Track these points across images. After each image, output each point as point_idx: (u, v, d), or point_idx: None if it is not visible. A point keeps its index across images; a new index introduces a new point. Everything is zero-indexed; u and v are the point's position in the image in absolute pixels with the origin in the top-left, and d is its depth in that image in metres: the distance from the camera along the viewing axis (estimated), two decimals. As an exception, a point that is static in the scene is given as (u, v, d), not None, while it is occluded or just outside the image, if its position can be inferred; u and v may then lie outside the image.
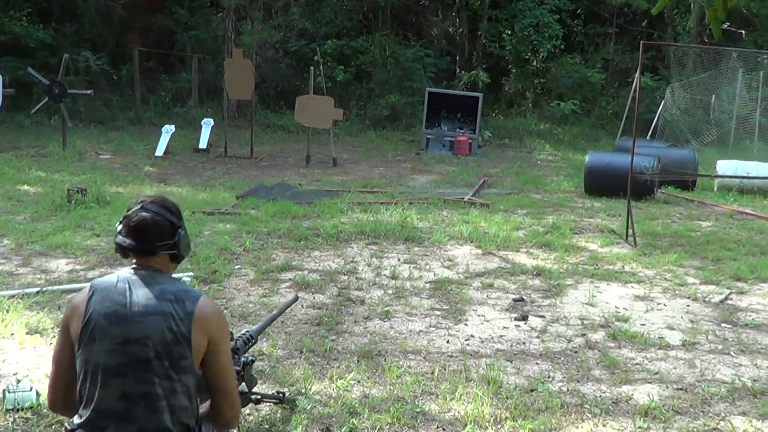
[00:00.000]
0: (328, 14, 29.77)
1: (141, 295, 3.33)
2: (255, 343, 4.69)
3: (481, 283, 8.75)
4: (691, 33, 27.90)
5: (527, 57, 30.95)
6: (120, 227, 3.49)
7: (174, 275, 3.59)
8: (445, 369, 6.18)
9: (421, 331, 7.13)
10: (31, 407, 5.18)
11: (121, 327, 3.26)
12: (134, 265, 3.46)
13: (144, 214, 3.46)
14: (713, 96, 22.30)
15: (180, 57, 29.95)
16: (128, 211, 3.53)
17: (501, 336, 7.07)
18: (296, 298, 5.85)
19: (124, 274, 3.42)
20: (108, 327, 3.26)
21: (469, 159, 21.27)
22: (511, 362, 6.41)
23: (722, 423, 5.39)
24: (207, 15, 30.14)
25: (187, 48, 29.51)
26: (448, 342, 6.86)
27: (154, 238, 3.46)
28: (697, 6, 24.04)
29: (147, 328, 3.25)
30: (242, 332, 4.55)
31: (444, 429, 5.19)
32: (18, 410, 5.14)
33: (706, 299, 8.41)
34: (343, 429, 5.11)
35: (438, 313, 7.67)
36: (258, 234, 10.77)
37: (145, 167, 17.56)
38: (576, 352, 6.70)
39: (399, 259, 9.67)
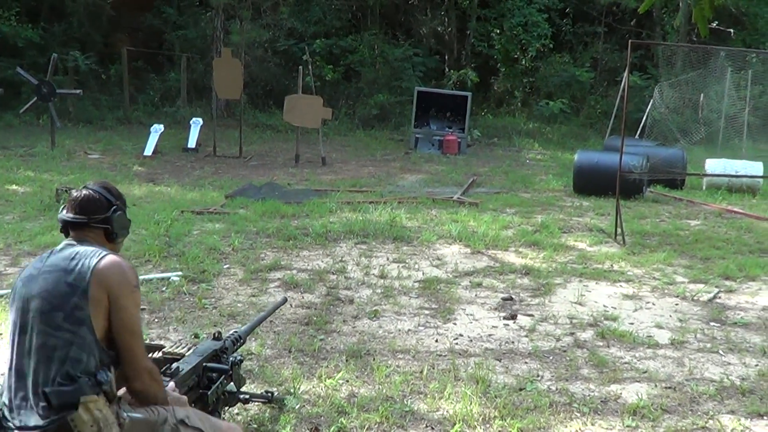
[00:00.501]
0: (317, 13, 29.79)
1: (55, 257, 3.50)
2: (243, 343, 4.69)
3: (470, 282, 8.75)
4: (680, 32, 27.97)
5: (516, 56, 30.99)
6: (64, 205, 3.73)
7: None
8: (433, 368, 6.17)
9: (409, 330, 7.12)
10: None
11: (28, 286, 3.43)
12: (69, 239, 3.63)
13: (83, 191, 3.71)
14: (702, 95, 22.34)
15: (169, 56, 29.92)
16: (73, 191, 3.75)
17: (490, 335, 7.07)
18: (285, 300, 5.85)
19: (56, 248, 3.60)
20: (21, 288, 3.46)
21: (458, 158, 21.29)
22: (499, 361, 6.41)
23: (711, 422, 5.39)
24: (196, 14, 30.10)
25: (175, 47, 29.48)
26: (436, 341, 6.85)
27: (89, 212, 3.65)
28: (684, 4, 24.08)
29: (47, 283, 3.40)
30: (231, 332, 4.54)
31: (433, 428, 5.18)
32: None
33: (695, 298, 8.42)
34: (332, 428, 5.10)
35: (427, 312, 7.67)
36: (247, 233, 10.76)
37: (134, 167, 17.53)
38: (565, 351, 6.70)
39: (388, 259, 9.66)
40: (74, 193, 3.70)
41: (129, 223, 3.90)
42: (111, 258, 3.50)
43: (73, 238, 3.62)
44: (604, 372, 6.21)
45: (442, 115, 24.21)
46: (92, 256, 3.47)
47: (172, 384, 3.77)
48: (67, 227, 3.68)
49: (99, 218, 3.66)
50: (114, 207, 3.73)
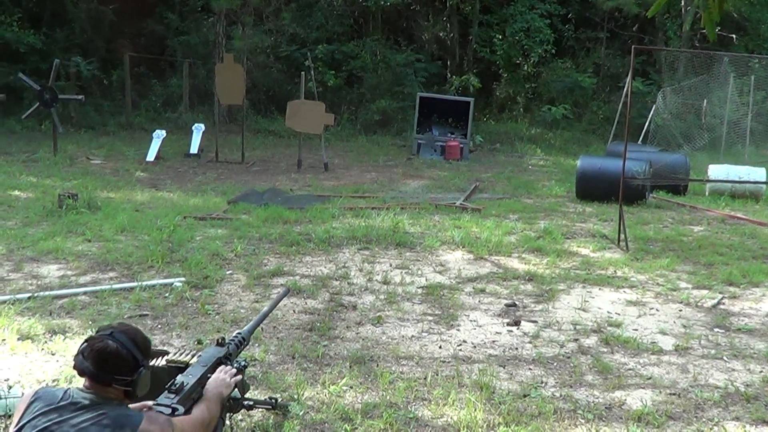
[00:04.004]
0: (319, 19, 29.78)
1: (77, 415, 3.23)
2: (248, 344, 4.65)
3: (473, 288, 8.73)
4: (683, 37, 27.98)
5: (518, 62, 30.95)
6: (84, 346, 3.40)
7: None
8: (437, 374, 6.16)
9: (413, 336, 7.11)
10: (22, 414, 5.15)
11: None
12: (86, 387, 3.37)
13: (110, 342, 3.38)
14: (705, 100, 22.35)
15: (171, 62, 29.90)
16: (97, 332, 3.47)
17: (493, 341, 7.05)
18: (287, 291, 5.78)
19: (71, 392, 3.34)
20: None
21: (460, 164, 21.28)
22: (503, 368, 6.39)
23: (715, 428, 5.38)
24: (198, 20, 30.08)
25: (177, 53, 29.46)
26: (440, 347, 6.84)
27: (113, 370, 3.35)
28: (692, 9, 24.07)
29: None
30: (234, 335, 4.50)
31: (437, 435, 5.18)
32: (9, 416, 5.10)
33: (699, 304, 8.41)
34: (336, 435, 5.10)
35: (430, 318, 7.66)
36: (249, 239, 10.75)
37: (137, 172, 17.53)
38: (569, 357, 6.69)
39: (391, 265, 9.65)
40: (98, 343, 3.37)
41: (149, 382, 3.52)
42: (147, 428, 3.27)
43: (92, 389, 3.34)
44: (608, 378, 6.20)
45: (444, 120, 24.19)
46: (126, 424, 3.24)
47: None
48: (83, 373, 3.37)
49: (124, 381, 3.37)
50: (140, 369, 3.42)
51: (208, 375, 3.99)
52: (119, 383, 3.36)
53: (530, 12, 29.65)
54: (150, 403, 3.53)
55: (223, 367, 4.02)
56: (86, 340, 3.41)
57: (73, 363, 3.42)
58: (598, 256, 10.50)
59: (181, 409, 3.58)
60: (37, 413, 3.23)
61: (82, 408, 3.24)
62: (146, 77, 29.05)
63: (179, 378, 3.83)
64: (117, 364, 3.35)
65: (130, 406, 3.45)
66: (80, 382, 3.41)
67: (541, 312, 7.97)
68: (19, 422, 3.24)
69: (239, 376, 4.14)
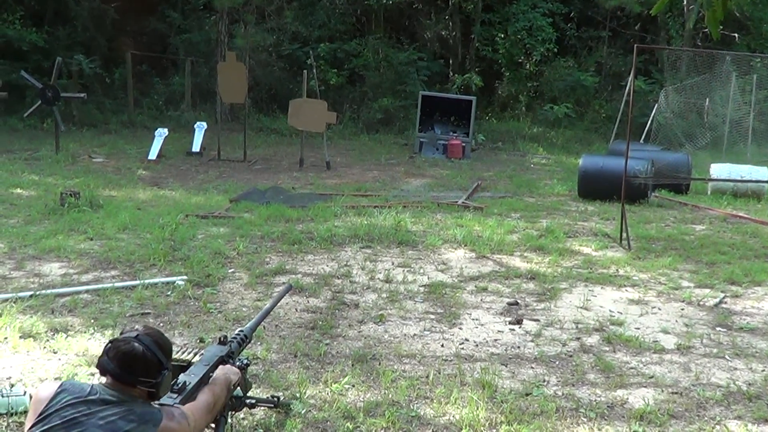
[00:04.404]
0: (321, 17, 29.78)
1: (105, 409, 3.29)
2: (250, 341, 4.65)
3: (476, 286, 8.74)
4: (685, 36, 27.96)
5: (520, 60, 30.95)
6: (109, 347, 3.46)
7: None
8: (439, 373, 6.16)
9: (415, 335, 7.11)
10: (25, 411, 5.14)
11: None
12: (108, 383, 3.42)
13: (136, 344, 3.44)
14: (707, 99, 22.35)
15: (173, 60, 29.93)
16: (122, 333, 3.52)
17: (495, 340, 7.05)
18: (289, 288, 5.78)
19: (97, 387, 3.39)
20: (61, 429, 3.23)
21: (462, 162, 21.27)
22: (505, 366, 6.40)
23: (718, 427, 5.38)
24: (200, 18, 30.09)
25: (180, 51, 29.48)
26: (442, 346, 6.84)
27: (138, 372, 3.42)
28: (695, 8, 24.06)
29: None
30: (236, 333, 4.50)
31: (439, 433, 5.18)
32: (12, 414, 5.11)
33: (701, 303, 8.41)
34: (338, 433, 5.10)
35: (432, 316, 7.66)
36: (252, 237, 10.75)
37: (139, 171, 17.53)
38: (571, 356, 6.69)
39: (393, 263, 9.65)
40: (124, 345, 3.44)
41: (170, 383, 3.63)
42: (168, 425, 3.37)
43: (115, 388, 3.40)
44: (610, 377, 6.20)
45: (446, 119, 24.17)
46: (150, 419, 3.32)
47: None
48: (107, 374, 3.45)
49: (148, 383, 3.44)
50: (164, 371, 3.50)
51: (210, 374, 3.99)
52: (143, 385, 3.42)
53: (532, 11, 29.63)
54: (154, 404, 3.56)
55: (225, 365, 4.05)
56: (111, 341, 3.47)
57: (96, 362, 3.47)
58: (600, 255, 10.49)
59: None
60: (65, 404, 3.27)
61: (110, 403, 3.31)
62: (148, 75, 29.06)
63: (182, 377, 3.83)
64: (142, 367, 3.41)
65: None
66: (81, 379, 3.41)
67: (543, 311, 7.97)
68: (44, 411, 3.27)
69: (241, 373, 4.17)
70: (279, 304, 5.93)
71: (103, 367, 3.43)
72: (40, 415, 3.28)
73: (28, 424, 3.33)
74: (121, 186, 15.17)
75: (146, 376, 3.42)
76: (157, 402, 3.54)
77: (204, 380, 3.89)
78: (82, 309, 7.51)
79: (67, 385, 3.38)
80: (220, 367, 4.02)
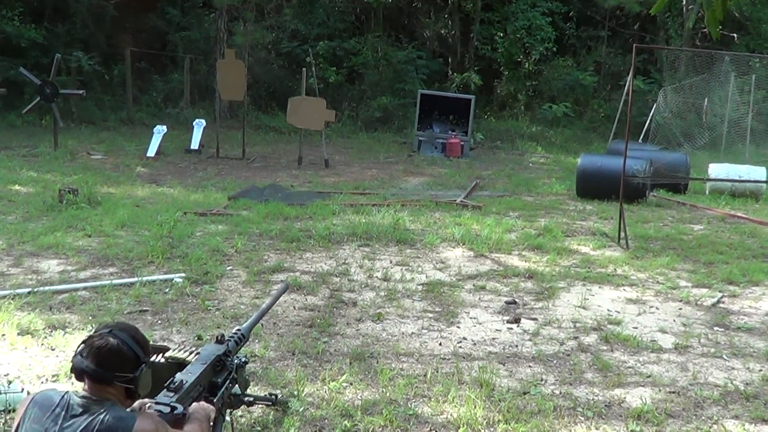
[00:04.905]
0: (321, 15, 29.75)
1: (73, 421, 3.16)
2: (247, 340, 4.64)
3: (474, 285, 8.74)
4: (684, 36, 27.97)
5: (519, 59, 30.93)
6: (82, 347, 3.29)
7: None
8: (437, 371, 6.17)
9: (413, 333, 7.12)
10: (22, 408, 5.15)
11: None
12: (85, 391, 3.28)
13: (110, 339, 3.28)
14: (705, 99, 22.36)
15: (172, 57, 29.91)
16: (95, 331, 3.37)
17: (493, 339, 7.06)
18: (287, 287, 5.78)
19: (68, 396, 3.25)
20: None
21: (461, 161, 21.27)
22: (503, 365, 6.40)
23: (715, 426, 5.39)
24: (199, 15, 30.09)
25: (179, 48, 29.47)
26: (440, 344, 6.85)
27: (113, 367, 3.25)
28: (695, 8, 24.08)
29: None
30: (233, 331, 4.49)
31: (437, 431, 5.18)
32: (9, 411, 5.11)
33: (699, 302, 8.42)
34: (336, 431, 5.10)
35: (430, 315, 7.66)
36: (250, 235, 10.75)
37: (137, 168, 17.52)
38: (568, 355, 6.69)
39: (391, 261, 9.66)
40: (98, 341, 3.26)
41: (151, 380, 3.44)
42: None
43: (90, 392, 3.24)
44: (608, 376, 6.20)
45: (445, 118, 24.17)
46: (119, 428, 3.14)
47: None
48: (82, 375, 3.26)
49: (125, 378, 3.26)
50: (142, 366, 3.33)
51: (209, 373, 3.99)
52: (120, 380, 3.27)
53: (532, 10, 29.62)
54: (148, 401, 3.50)
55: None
56: (84, 341, 3.32)
57: (70, 366, 3.33)
58: (598, 254, 10.50)
59: (180, 408, 3.56)
60: (30, 419, 3.20)
61: (76, 415, 3.18)
62: (147, 72, 29.05)
63: (178, 376, 3.82)
64: (118, 362, 3.26)
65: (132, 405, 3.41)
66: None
67: (541, 310, 7.98)
68: (17, 428, 3.21)
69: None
70: (278, 303, 5.93)
71: (77, 368, 3.26)
72: (16, 428, 3.22)
73: None
74: (119, 183, 15.16)
75: (123, 372, 3.26)
76: (153, 401, 3.50)
77: (201, 379, 3.88)
78: (80, 306, 7.51)
79: (38, 398, 3.27)
80: (194, 404, 3.77)
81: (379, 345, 6.76)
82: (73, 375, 3.31)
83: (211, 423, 3.81)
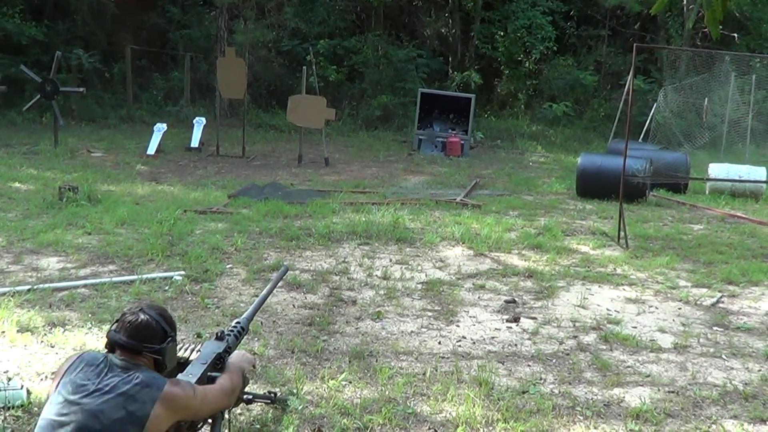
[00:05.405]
0: (321, 14, 29.73)
1: (113, 376, 3.55)
2: (247, 332, 4.64)
3: (473, 284, 8.74)
4: (684, 36, 27.96)
5: (520, 58, 30.91)
6: (116, 324, 3.74)
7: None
8: (436, 370, 6.17)
9: (412, 332, 7.12)
10: (22, 405, 5.16)
11: (82, 398, 3.47)
12: (119, 354, 3.68)
13: (141, 315, 3.74)
14: (706, 99, 22.34)
15: (172, 55, 29.91)
16: (127, 310, 3.82)
17: (493, 337, 7.06)
18: (287, 269, 5.77)
19: (110, 357, 3.66)
20: (70, 394, 3.50)
21: (461, 160, 21.26)
22: (502, 364, 6.40)
23: (714, 426, 5.39)
24: (200, 14, 30.05)
25: (179, 46, 29.47)
26: (439, 343, 6.85)
27: (143, 339, 3.69)
28: (695, 7, 24.06)
29: (105, 404, 3.45)
30: (233, 324, 4.49)
31: (436, 430, 5.18)
32: (8, 408, 5.11)
33: (698, 302, 8.42)
34: (335, 430, 5.10)
35: (430, 314, 7.67)
36: (250, 233, 10.75)
37: (137, 165, 17.51)
38: (568, 354, 6.69)
39: (391, 260, 9.66)
40: (130, 316, 3.73)
41: (176, 354, 3.98)
42: (171, 389, 3.60)
43: (123, 358, 3.65)
44: (607, 375, 6.20)
45: (445, 116, 24.15)
46: (152, 383, 3.55)
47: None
48: (115, 346, 3.71)
49: (153, 348, 3.71)
50: (169, 339, 3.79)
51: (208, 373, 4.00)
52: (149, 351, 3.69)
53: (532, 9, 29.62)
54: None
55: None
56: (117, 318, 3.78)
57: (105, 340, 3.75)
58: (598, 254, 10.50)
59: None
60: (77, 371, 3.57)
61: (117, 368, 3.58)
62: (148, 70, 29.05)
63: (179, 377, 3.86)
64: (147, 334, 3.70)
65: None
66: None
67: (541, 309, 7.98)
68: (61, 377, 3.59)
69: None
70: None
71: (111, 340, 3.70)
72: (60, 378, 3.60)
73: (51, 389, 3.64)
74: (119, 181, 15.16)
75: (151, 343, 3.70)
76: None
77: (202, 379, 3.91)
78: (80, 303, 7.51)
79: (85, 356, 3.66)
80: (235, 353, 4.31)
81: (378, 343, 6.76)
82: (106, 348, 3.75)
83: (246, 374, 4.39)
